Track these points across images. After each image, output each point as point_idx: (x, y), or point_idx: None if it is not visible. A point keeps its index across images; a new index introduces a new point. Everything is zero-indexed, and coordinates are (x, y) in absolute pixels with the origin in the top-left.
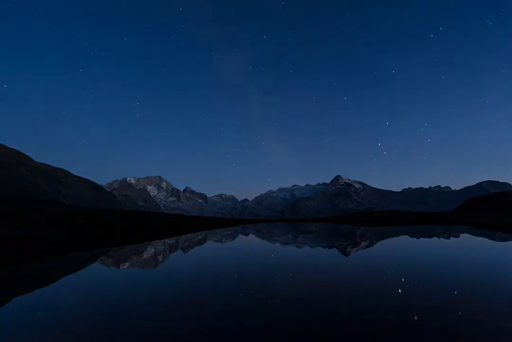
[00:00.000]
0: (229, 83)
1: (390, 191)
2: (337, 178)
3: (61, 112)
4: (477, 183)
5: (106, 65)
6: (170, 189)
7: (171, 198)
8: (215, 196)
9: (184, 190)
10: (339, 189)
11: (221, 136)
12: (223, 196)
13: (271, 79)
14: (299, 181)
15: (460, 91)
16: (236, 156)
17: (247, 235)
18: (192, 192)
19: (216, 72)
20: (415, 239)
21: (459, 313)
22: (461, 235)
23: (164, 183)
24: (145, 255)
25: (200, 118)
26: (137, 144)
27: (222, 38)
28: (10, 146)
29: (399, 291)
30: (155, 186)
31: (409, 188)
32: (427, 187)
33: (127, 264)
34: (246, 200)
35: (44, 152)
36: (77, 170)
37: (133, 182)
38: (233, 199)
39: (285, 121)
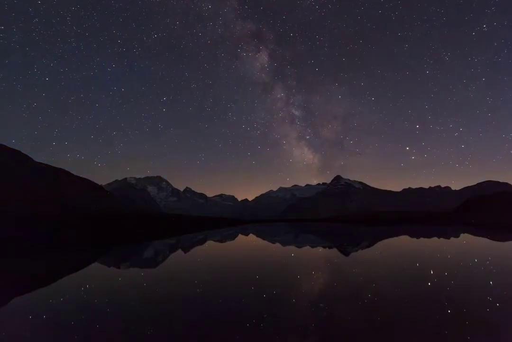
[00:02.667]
0: (253, 81)
1: (390, 191)
2: (337, 178)
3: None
4: (477, 183)
5: (131, 63)
6: (170, 189)
7: (171, 198)
8: (215, 196)
9: (184, 190)
10: (339, 189)
11: (242, 134)
12: (223, 195)
13: (295, 78)
14: (320, 180)
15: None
16: (256, 154)
17: (247, 235)
18: (192, 192)
19: (240, 70)
20: (415, 239)
21: (460, 314)
22: (461, 235)
23: (164, 183)
24: (145, 255)
25: (221, 116)
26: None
27: (248, 36)
28: (10, 146)
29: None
30: (155, 186)
31: (409, 188)
32: (427, 187)
33: (127, 263)
34: (246, 200)
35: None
36: (77, 170)
37: (133, 182)
38: (233, 199)
39: (308, 121)
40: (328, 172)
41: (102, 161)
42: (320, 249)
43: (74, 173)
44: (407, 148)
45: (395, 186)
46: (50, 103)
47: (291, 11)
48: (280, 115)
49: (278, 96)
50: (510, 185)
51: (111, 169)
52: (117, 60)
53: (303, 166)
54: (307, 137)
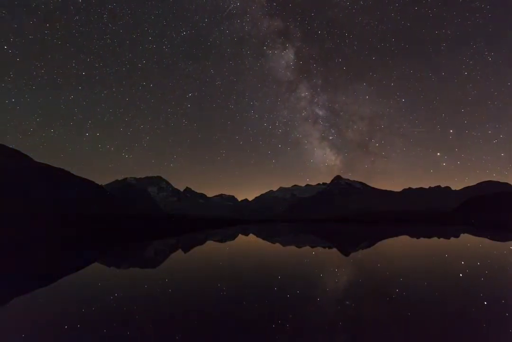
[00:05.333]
0: (278, 79)
1: (390, 191)
2: (337, 178)
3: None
4: (477, 183)
5: (160, 59)
6: (170, 189)
7: (171, 198)
8: (215, 196)
9: (184, 190)
10: (339, 189)
11: (263, 132)
12: (223, 196)
13: (321, 76)
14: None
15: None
16: (276, 153)
17: (247, 235)
18: (192, 192)
19: (265, 67)
20: (415, 239)
21: (461, 315)
22: (461, 235)
23: (164, 183)
24: (145, 255)
25: (243, 113)
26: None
27: (274, 33)
28: (10, 146)
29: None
30: (155, 186)
31: (409, 187)
32: (427, 187)
33: (127, 263)
34: (246, 200)
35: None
36: (77, 170)
37: (133, 182)
38: (233, 199)
39: (332, 121)
40: (350, 174)
41: (129, 153)
42: (320, 249)
43: (105, 163)
44: (438, 154)
45: (395, 186)
46: (85, 96)
47: (320, 8)
48: (303, 114)
49: (302, 95)
50: (510, 184)
51: (137, 161)
52: (147, 57)
53: (324, 167)
54: (330, 138)
